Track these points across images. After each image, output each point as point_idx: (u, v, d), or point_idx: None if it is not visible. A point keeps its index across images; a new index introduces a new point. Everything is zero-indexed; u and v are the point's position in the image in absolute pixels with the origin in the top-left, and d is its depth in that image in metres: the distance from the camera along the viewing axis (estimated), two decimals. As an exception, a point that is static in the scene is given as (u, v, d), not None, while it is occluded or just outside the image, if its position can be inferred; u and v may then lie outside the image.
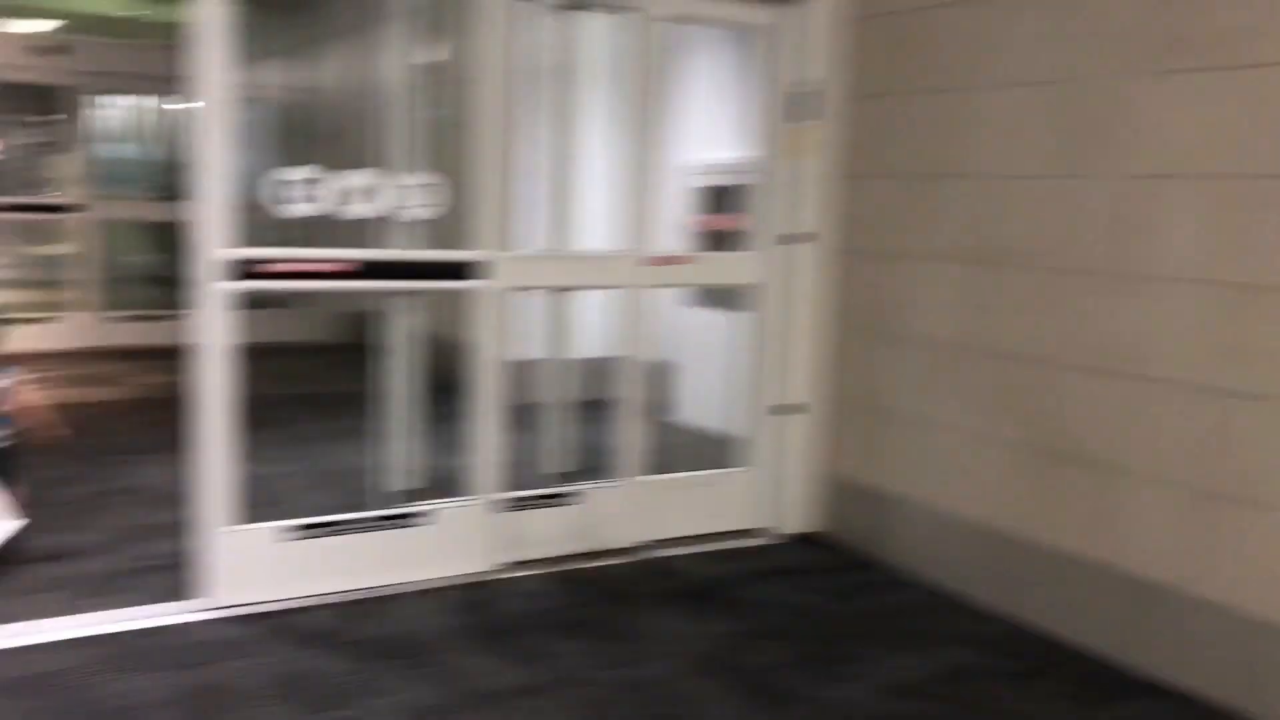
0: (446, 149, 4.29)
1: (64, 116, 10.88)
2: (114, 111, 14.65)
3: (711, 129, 6.38)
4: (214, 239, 3.66)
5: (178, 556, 4.34)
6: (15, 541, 4.35)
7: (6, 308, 4.77)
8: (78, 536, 4.57)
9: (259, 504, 4.00)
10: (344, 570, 4.03)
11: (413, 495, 4.28)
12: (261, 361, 4.27)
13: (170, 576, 4.11)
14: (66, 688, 3.26)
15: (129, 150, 15.31)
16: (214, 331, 3.71)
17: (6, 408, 4.60)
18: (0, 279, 13.86)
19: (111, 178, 12.91)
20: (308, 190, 3.82)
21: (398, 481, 4.27)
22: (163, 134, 14.49)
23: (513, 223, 4.25)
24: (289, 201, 3.79)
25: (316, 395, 7.59)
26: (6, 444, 4.59)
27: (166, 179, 13.74)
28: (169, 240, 13.66)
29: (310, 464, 5.87)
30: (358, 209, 3.92)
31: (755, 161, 4.85)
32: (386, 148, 4.13)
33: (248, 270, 3.72)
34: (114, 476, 5.51)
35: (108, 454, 5.93)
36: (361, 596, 4.02)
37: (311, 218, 3.84)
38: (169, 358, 9.23)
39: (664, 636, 3.85)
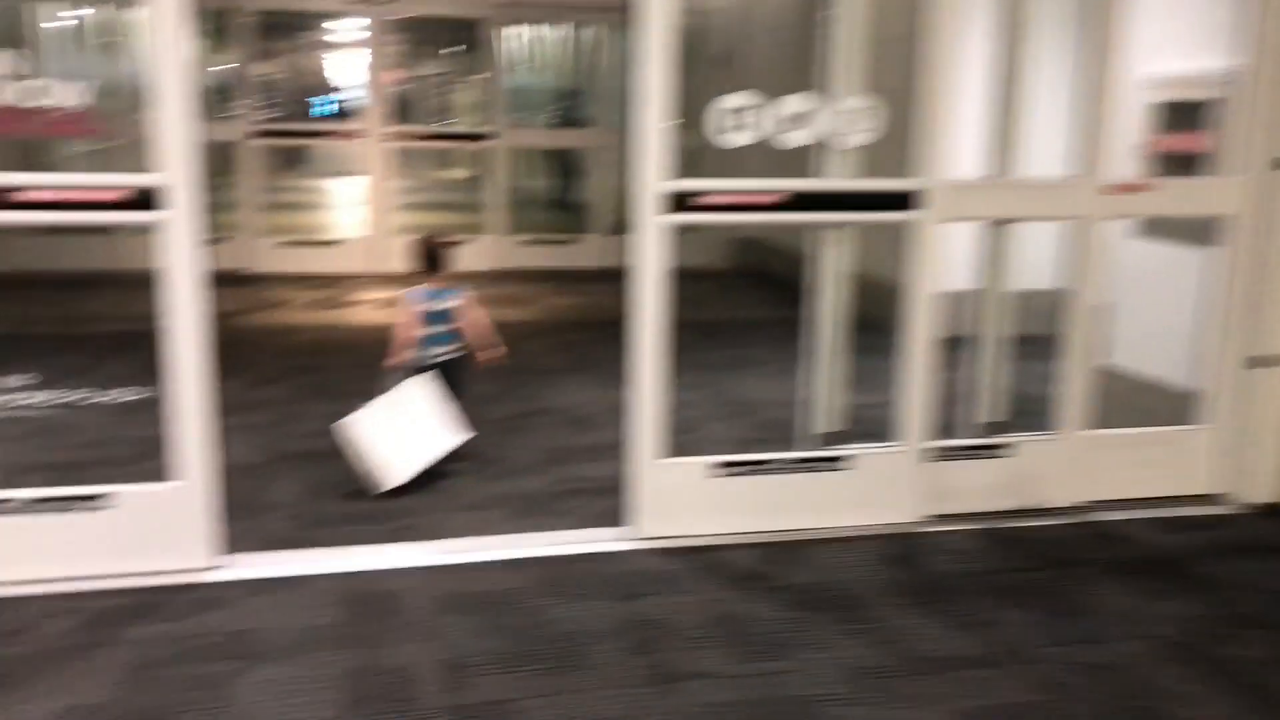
0: (885, 68, 3.98)
1: (472, 48, 11.49)
2: (518, 43, 15.45)
3: (1171, 35, 5.60)
4: (652, 170, 3.59)
5: (603, 481, 4.44)
6: (458, 454, 4.62)
7: (445, 230, 5.01)
8: (509, 455, 4.80)
9: (671, 432, 3.98)
10: (766, 510, 3.93)
11: (833, 438, 4.10)
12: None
13: (598, 501, 4.21)
14: (513, 608, 3.38)
15: (534, 79, 16.13)
16: (650, 262, 3.67)
17: (457, 325, 4.77)
18: (418, 203, 15.21)
19: (517, 106, 13.65)
20: (744, 118, 3.66)
21: (820, 422, 4.09)
22: (565, 62, 15.16)
23: (953, 148, 3.89)
24: (726, 130, 3.65)
25: (713, 322, 7.63)
26: (455, 359, 4.74)
27: (569, 107, 14.38)
28: (571, 166, 14.36)
29: (712, 393, 5.86)
30: (793, 136, 3.72)
31: (1233, 71, 4.16)
32: (824, 70, 3.89)
33: (683, 202, 3.63)
34: (533, 396, 5.76)
35: (525, 373, 6.22)
36: (783, 539, 3.91)
37: (742, 147, 3.69)
38: (572, 281, 9.72)
39: (1122, 614, 3.44)
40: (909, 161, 3.83)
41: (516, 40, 15.96)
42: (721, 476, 3.87)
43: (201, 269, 3.37)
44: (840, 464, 3.96)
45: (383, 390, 4.46)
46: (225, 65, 9.43)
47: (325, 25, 24.87)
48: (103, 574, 3.42)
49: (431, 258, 4.68)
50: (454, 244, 4.90)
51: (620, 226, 11.36)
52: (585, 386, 5.98)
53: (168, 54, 3.21)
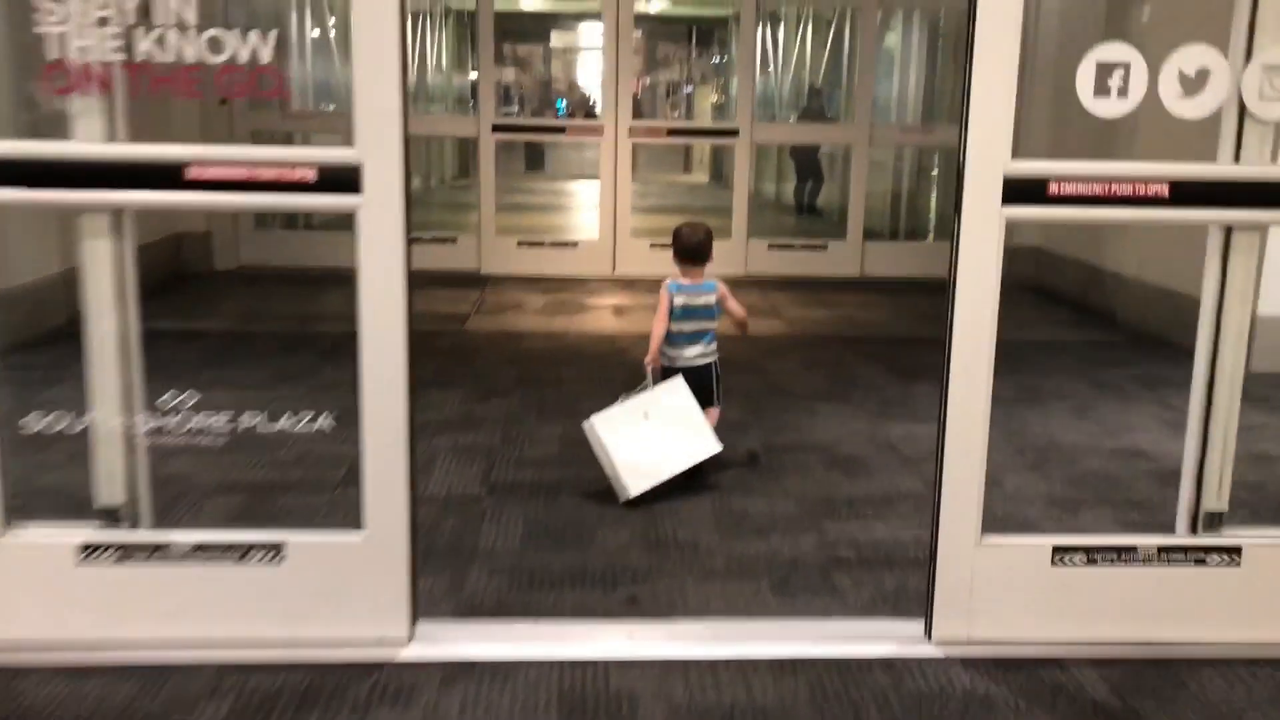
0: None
1: (717, 46, 10.73)
2: (770, 35, 14.63)
3: None
4: (992, 148, 2.64)
5: (885, 549, 3.51)
6: (705, 480, 4.04)
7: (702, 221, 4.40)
8: (762, 504, 3.92)
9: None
10: (1128, 613, 2.87)
11: (1211, 519, 3.01)
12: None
13: (881, 577, 3.29)
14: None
15: (783, 73, 15.30)
16: (982, 268, 2.72)
17: (714, 323, 4.24)
18: (657, 205, 14.64)
19: (764, 101, 12.87)
20: (1115, 79, 2.65)
21: (1205, 495, 3.00)
22: (818, 55, 14.25)
23: None
24: (1089, 95, 2.65)
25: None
26: (709, 364, 4.22)
27: (812, 102, 13.45)
28: (812, 166, 13.41)
29: (1006, 433, 4.80)
30: (1191, 104, 2.67)
31: None
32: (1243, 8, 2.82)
33: (1033, 190, 2.67)
34: (786, 427, 4.86)
35: (775, 397, 5.34)
36: (1151, 655, 2.85)
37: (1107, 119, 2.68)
38: (822, 290, 8.74)
39: None
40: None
41: (768, 32, 15.20)
42: (1070, 565, 2.86)
43: (406, 267, 2.66)
44: (1234, 556, 2.87)
45: (636, 390, 4.02)
46: (470, 68, 9.08)
47: (569, 26, 24.93)
48: (273, 640, 2.76)
49: (692, 247, 4.17)
50: (711, 235, 4.25)
51: (877, 231, 10.33)
52: (847, 417, 5.04)
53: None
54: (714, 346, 4.24)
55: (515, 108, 27.62)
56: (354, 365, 2.68)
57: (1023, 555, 2.85)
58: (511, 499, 3.92)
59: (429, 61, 17.03)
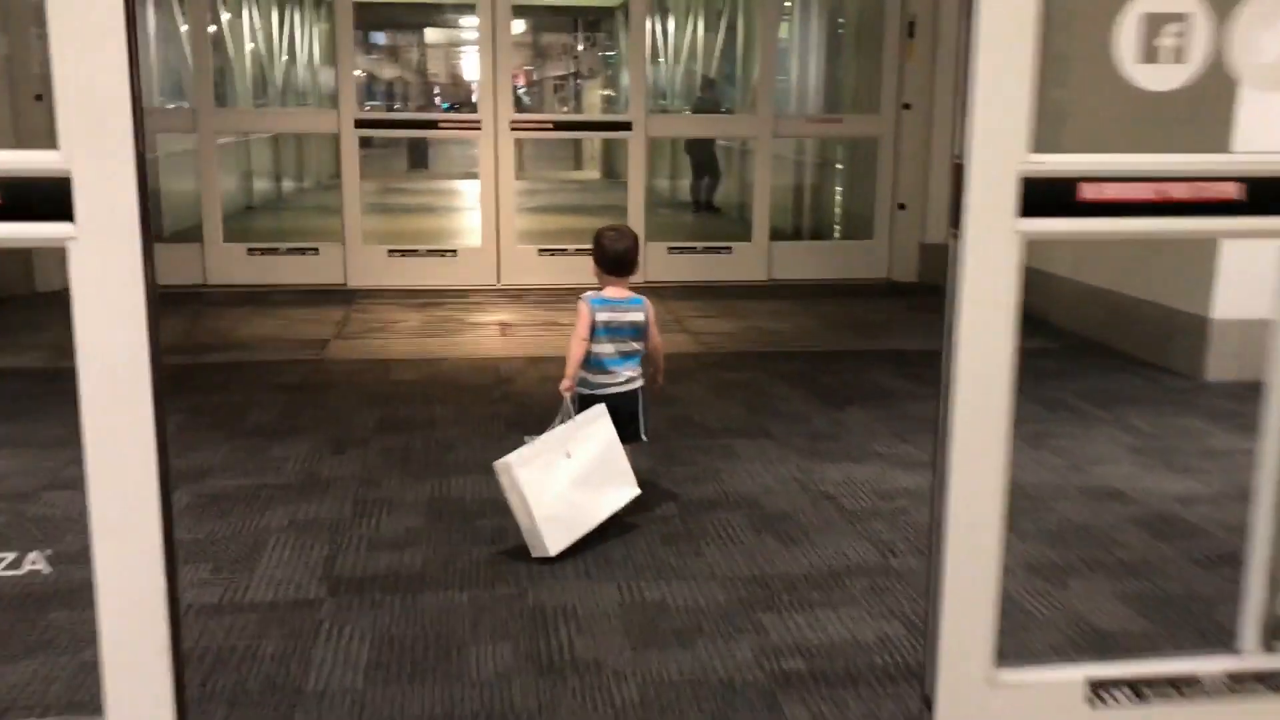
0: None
1: (605, 37, 9.92)
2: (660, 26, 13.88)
3: None
4: (1004, 139, 1.86)
5: (845, 655, 2.72)
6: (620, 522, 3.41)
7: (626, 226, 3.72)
8: (677, 588, 3.10)
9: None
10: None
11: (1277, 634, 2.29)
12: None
13: (845, 705, 2.50)
14: None
15: (670, 67, 14.58)
16: (991, 309, 1.94)
17: (640, 345, 3.66)
18: (544, 205, 13.78)
19: (657, 94, 12.10)
20: (1170, 38, 1.90)
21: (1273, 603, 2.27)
22: (702, 48, 13.54)
23: None
24: (1135, 60, 1.90)
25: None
26: (633, 391, 3.62)
27: (706, 93, 12.73)
28: (709, 160, 12.68)
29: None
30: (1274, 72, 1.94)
31: None
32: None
33: (1059, 196, 1.90)
34: (703, 473, 4.06)
35: (685, 432, 4.54)
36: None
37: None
38: (726, 298, 7.94)
39: None
40: None
41: (659, 23, 14.44)
42: (1112, 704, 2.10)
43: (151, 335, 1.76)
44: (1313, 681, 2.16)
45: (555, 422, 3.41)
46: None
47: (452, 18, 23.82)
48: None
49: (616, 256, 3.65)
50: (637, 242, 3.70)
51: (780, 231, 9.63)
52: (772, 458, 4.26)
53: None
54: (640, 371, 3.64)
55: (396, 105, 26.37)
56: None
57: (1049, 695, 2.08)
58: (359, 602, 3.02)
59: (299, 55, 15.86)
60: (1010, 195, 1.87)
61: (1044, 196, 1.88)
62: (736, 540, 3.47)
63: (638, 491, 3.53)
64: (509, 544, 3.36)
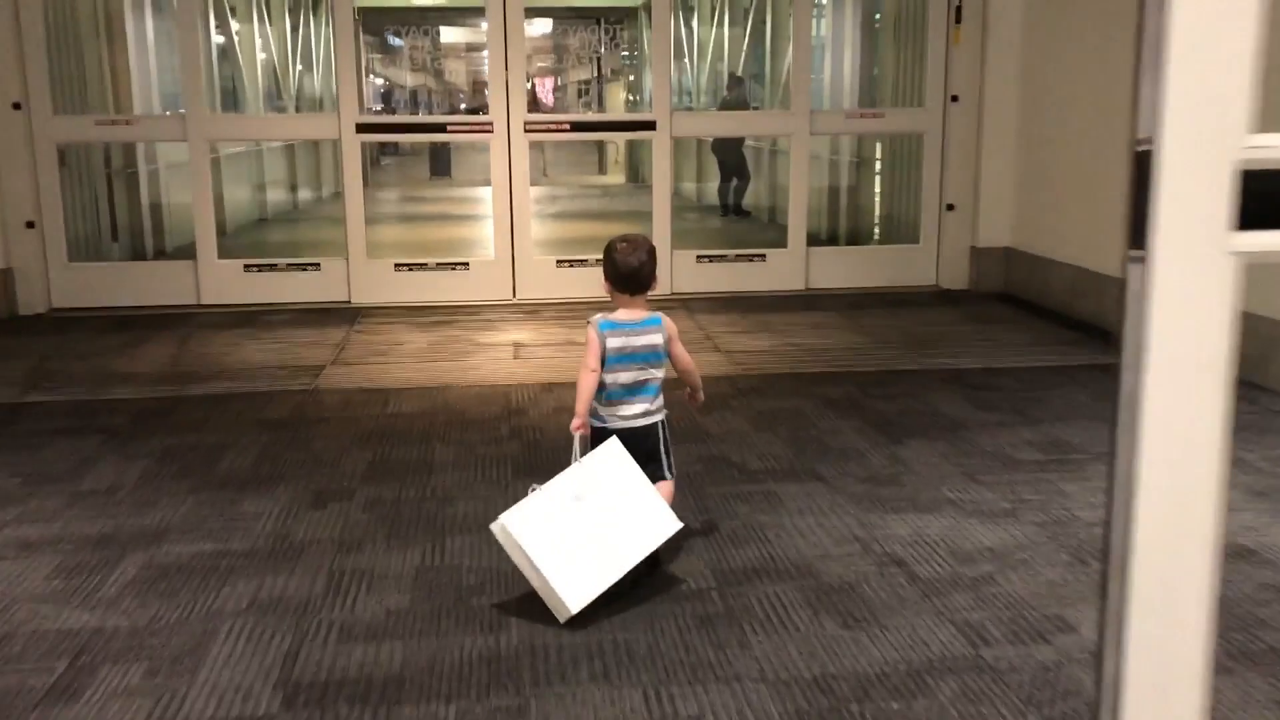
0: None
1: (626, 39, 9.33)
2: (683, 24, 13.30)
3: None
4: (1213, 115, 1.22)
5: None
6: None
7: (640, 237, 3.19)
8: (721, 692, 2.48)
9: None
10: None
11: None
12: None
13: None
14: None
15: (695, 65, 13.99)
16: (1192, 338, 1.29)
17: (658, 372, 3.19)
18: (564, 212, 13.19)
19: (678, 92, 11.50)
20: None
21: None
22: (729, 45, 12.91)
23: None
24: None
25: (973, 372, 5.15)
26: (653, 425, 3.17)
27: (733, 91, 12.09)
28: (737, 161, 12.03)
29: (1038, 509, 3.42)
30: None
31: None
32: None
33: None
34: (743, 529, 3.43)
35: (720, 474, 3.91)
36: None
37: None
38: (762, 310, 7.28)
39: None
40: None
41: (682, 20, 13.83)
42: None
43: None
44: None
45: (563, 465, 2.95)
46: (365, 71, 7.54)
47: (461, 20, 23.25)
48: None
49: (630, 272, 3.16)
50: (654, 256, 3.21)
51: (816, 236, 8.98)
52: (825, 508, 3.62)
53: None
54: (660, 401, 3.15)
55: (420, 112, 25.91)
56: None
57: None
58: (319, 719, 2.41)
59: (316, 63, 15.36)
60: (1220, 198, 1.24)
61: (1273, 199, 1.24)
62: (789, 623, 2.83)
63: (679, 524, 3.01)
64: (510, 633, 2.75)
